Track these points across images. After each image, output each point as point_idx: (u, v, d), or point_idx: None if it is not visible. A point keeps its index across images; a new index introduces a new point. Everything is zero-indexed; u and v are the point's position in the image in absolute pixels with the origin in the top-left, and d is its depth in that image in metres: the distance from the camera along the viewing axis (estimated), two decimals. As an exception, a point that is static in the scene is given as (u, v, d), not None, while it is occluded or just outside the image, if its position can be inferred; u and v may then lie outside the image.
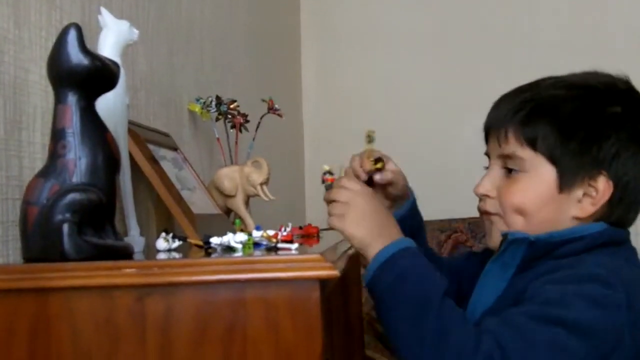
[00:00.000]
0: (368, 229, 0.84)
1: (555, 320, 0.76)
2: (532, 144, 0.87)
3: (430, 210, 2.44)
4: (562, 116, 0.87)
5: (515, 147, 0.89)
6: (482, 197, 0.93)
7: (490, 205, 0.92)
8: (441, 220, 2.46)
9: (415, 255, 0.83)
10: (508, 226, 0.90)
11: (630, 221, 0.91)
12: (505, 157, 0.91)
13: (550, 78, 0.93)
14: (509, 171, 0.91)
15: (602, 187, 0.86)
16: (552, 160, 0.87)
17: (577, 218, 0.87)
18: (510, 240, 0.87)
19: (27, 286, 0.66)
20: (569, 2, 2.66)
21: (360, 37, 2.85)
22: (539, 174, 0.88)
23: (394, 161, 1.01)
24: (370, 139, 1.01)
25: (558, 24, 2.66)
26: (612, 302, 0.78)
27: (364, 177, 0.97)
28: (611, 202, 0.87)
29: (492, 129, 0.93)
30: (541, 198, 0.88)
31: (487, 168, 0.95)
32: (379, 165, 0.96)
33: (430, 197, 2.59)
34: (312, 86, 2.89)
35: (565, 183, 0.87)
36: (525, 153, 0.88)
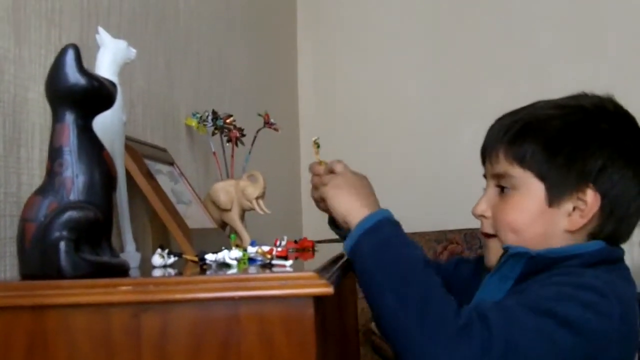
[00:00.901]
0: (354, 197, 0.90)
1: (546, 311, 0.78)
2: (521, 162, 0.90)
3: (425, 221, 2.49)
4: (549, 133, 0.90)
5: (505, 166, 0.92)
6: (480, 218, 0.96)
7: (487, 227, 0.95)
8: (437, 232, 2.47)
9: (397, 225, 0.88)
10: (503, 243, 0.92)
11: (624, 235, 0.92)
12: (498, 177, 0.93)
13: (542, 101, 0.96)
14: (502, 190, 0.93)
15: (590, 200, 0.88)
16: (540, 176, 0.89)
17: (569, 231, 0.89)
18: (510, 254, 0.89)
19: (24, 303, 0.66)
20: (566, 6, 2.69)
21: (356, 49, 2.87)
22: (529, 191, 0.90)
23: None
24: (317, 145, 1.04)
25: (555, 28, 2.68)
26: (605, 310, 0.80)
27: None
28: (602, 216, 0.88)
29: (487, 150, 0.96)
30: (532, 214, 0.90)
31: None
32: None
33: (426, 207, 2.65)
34: (308, 99, 2.91)
35: (554, 197, 0.89)
36: (515, 171, 0.91)
